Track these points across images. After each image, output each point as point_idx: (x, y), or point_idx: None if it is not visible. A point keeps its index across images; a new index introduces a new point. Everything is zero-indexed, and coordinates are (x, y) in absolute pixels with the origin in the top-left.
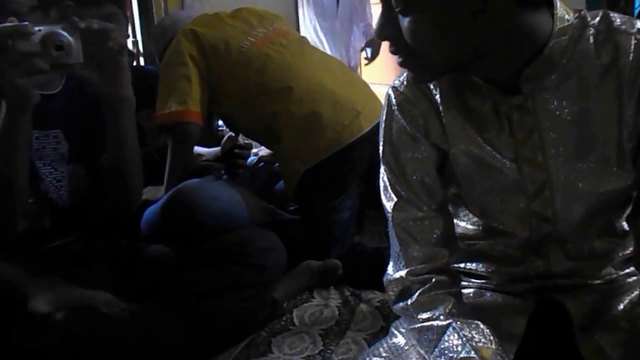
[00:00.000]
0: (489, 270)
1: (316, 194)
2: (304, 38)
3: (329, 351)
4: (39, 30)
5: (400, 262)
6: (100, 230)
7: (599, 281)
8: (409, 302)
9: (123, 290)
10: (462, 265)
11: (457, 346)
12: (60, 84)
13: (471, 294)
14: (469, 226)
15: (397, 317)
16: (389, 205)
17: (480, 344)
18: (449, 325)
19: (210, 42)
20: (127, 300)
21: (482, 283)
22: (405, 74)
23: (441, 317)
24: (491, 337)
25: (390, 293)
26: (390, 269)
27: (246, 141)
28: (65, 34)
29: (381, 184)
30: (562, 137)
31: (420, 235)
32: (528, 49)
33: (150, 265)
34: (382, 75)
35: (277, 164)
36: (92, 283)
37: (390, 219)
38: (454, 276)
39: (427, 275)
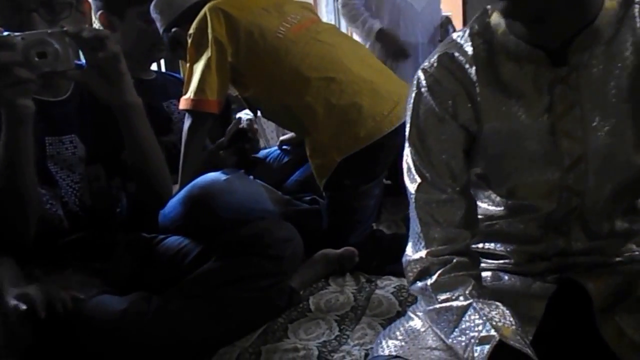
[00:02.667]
0: (508, 249)
1: (349, 180)
2: (334, 26)
3: (345, 337)
4: (22, 39)
5: (421, 243)
6: (119, 224)
7: (619, 258)
8: (428, 282)
9: (142, 282)
10: (480, 245)
11: (478, 325)
12: (70, 89)
13: (488, 277)
14: (490, 207)
15: (414, 302)
16: (412, 186)
17: (501, 324)
18: (469, 305)
19: (245, 26)
20: (146, 291)
21: (500, 264)
22: (435, 57)
23: (461, 297)
24: (511, 319)
25: (410, 274)
26: (409, 250)
27: (253, 126)
28: (51, 40)
29: (404, 166)
30: (603, 112)
31: (443, 217)
32: (583, 19)
33: (169, 257)
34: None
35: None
36: (112, 275)
37: (412, 200)
38: (475, 258)
39: (447, 257)
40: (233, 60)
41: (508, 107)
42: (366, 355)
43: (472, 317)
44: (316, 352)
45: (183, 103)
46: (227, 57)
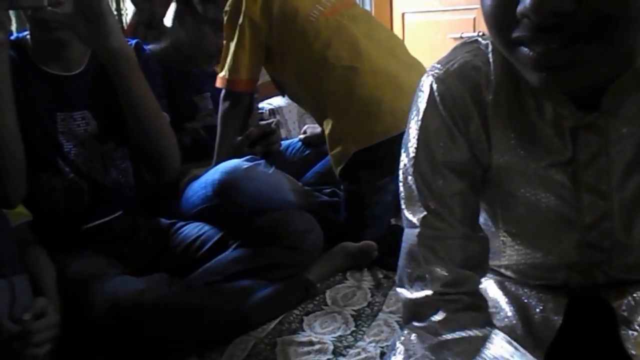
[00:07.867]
0: (522, 279)
1: (364, 173)
2: (368, 12)
3: (361, 332)
4: None
5: (424, 282)
6: (141, 209)
7: None
8: (435, 319)
9: (161, 267)
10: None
11: (507, 352)
12: (84, 64)
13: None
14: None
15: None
16: (415, 218)
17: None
18: (489, 334)
19: (279, 6)
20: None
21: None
22: (448, 65)
23: (475, 331)
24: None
25: (409, 312)
26: (405, 290)
27: (271, 121)
28: None
29: (404, 191)
30: (632, 161)
31: (450, 256)
32: (626, 65)
33: (188, 243)
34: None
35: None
36: (131, 259)
37: (416, 233)
38: (484, 300)
39: (456, 297)
40: (266, 40)
41: (523, 149)
42: (382, 353)
43: (498, 345)
44: (331, 347)
45: (219, 81)
46: (260, 37)
